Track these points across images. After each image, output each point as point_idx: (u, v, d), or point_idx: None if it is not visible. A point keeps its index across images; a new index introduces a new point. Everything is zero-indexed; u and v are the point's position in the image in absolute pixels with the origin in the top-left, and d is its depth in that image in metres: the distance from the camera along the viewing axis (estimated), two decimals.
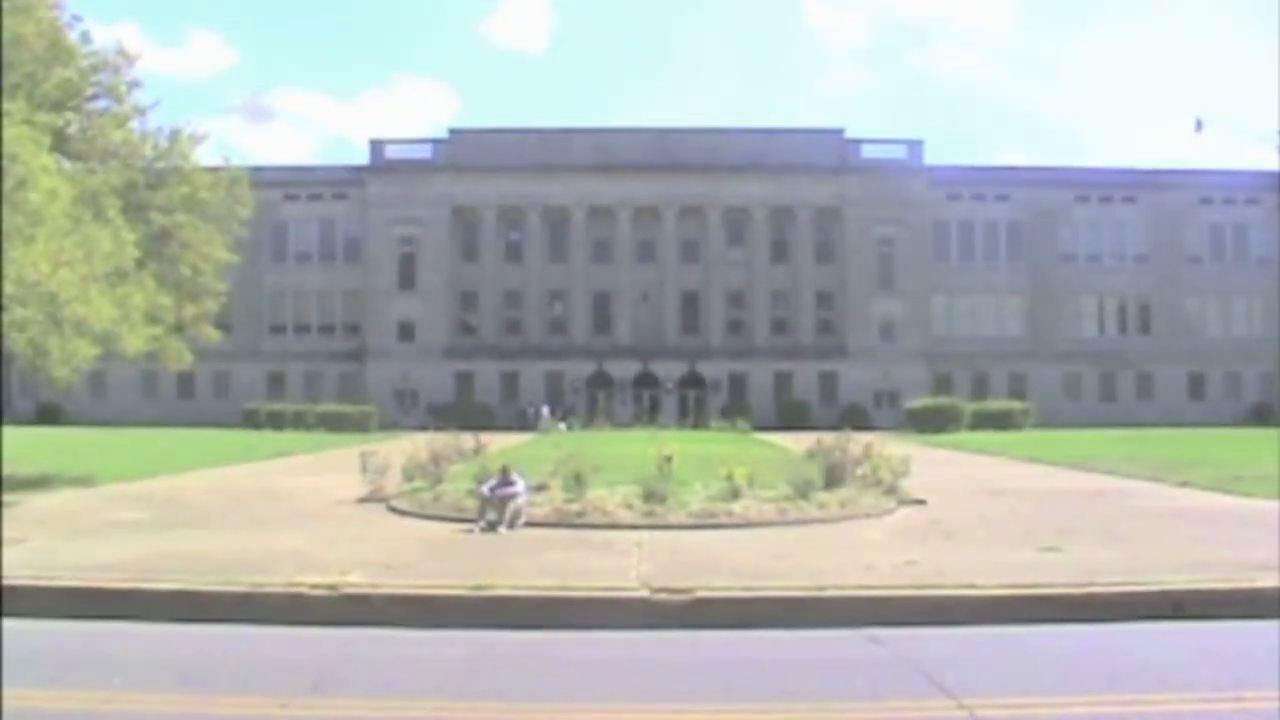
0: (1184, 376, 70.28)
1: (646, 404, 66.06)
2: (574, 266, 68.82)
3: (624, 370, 67.34)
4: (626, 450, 25.73)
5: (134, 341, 20.10)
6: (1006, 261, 70.63)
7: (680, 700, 6.88)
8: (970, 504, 17.03)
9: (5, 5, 18.74)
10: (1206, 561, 10.84)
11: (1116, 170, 72.21)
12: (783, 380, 67.57)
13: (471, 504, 14.49)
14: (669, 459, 17.09)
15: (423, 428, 50.18)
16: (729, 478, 15.95)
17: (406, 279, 68.85)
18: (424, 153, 69.74)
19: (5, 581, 9.64)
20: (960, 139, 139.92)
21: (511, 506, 13.58)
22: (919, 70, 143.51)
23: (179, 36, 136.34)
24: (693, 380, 67.38)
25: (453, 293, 69.21)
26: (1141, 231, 71.31)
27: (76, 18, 21.55)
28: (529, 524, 13.66)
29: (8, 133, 16.42)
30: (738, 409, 59.63)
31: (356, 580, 9.85)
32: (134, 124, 23.21)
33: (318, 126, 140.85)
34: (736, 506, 14.81)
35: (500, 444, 32.38)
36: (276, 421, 54.07)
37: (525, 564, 10.79)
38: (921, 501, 16.76)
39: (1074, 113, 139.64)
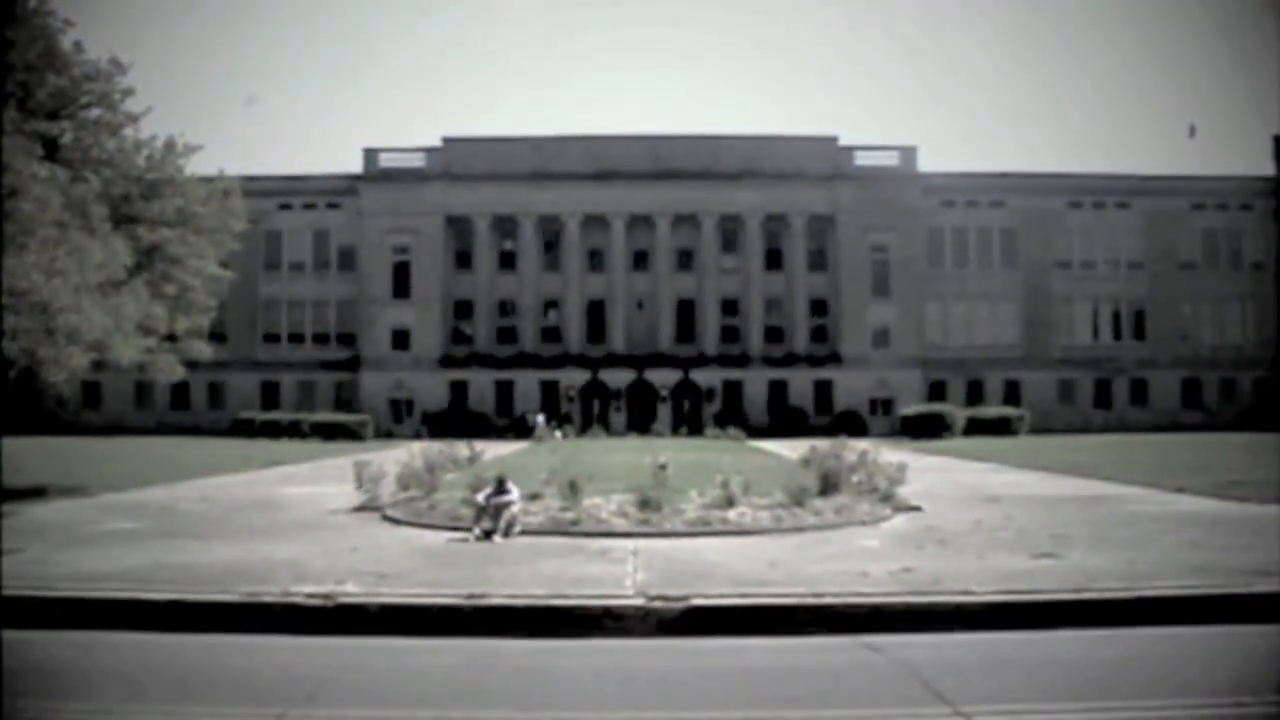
0: (1178, 382, 70.34)
1: (641, 412, 66.01)
2: (568, 275, 68.76)
3: (618, 378, 67.26)
4: (621, 458, 25.76)
5: (126, 351, 20.02)
6: (1001, 268, 70.70)
7: (677, 708, 6.87)
8: (965, 511, 17.01)
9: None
10: (1202, 567, 10.86)
11: (1110, 176, 72.23)
12: (777, 387, 67.53)
13: (467, 513, 14.46)
14: (664, 467, 17.09)
15: (417, 436, 50.41)
16: (724, 485, 15.93)
17: (400, 288, 68.69)
18: (417, 161, 69.56)
19: (1, 593, 9.61)
20: (954, 145, 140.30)
21: (507, 515, 13.56)
22: (914, 77, 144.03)
23: (173, 43, 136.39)
24: (687, 388, 67.29)
25: (447, 301, 69.09)
26: (1135, 237, 71.38)
27: (68, 23, 21.47)
28: (524, 532, 13.65)
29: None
30: (732, 416, 59.66)
31: (352, 590, 9.83)
32: (128, 131, 23.13)
33: (311, 135, 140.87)
34: (732, 514, 14.80)
35: (495, 452, 32.38)
36: (271, 431, 54.07)
37: (521, 572, 10.77)
38: (917, 508, 16.76)
39: (1068, 119, 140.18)
